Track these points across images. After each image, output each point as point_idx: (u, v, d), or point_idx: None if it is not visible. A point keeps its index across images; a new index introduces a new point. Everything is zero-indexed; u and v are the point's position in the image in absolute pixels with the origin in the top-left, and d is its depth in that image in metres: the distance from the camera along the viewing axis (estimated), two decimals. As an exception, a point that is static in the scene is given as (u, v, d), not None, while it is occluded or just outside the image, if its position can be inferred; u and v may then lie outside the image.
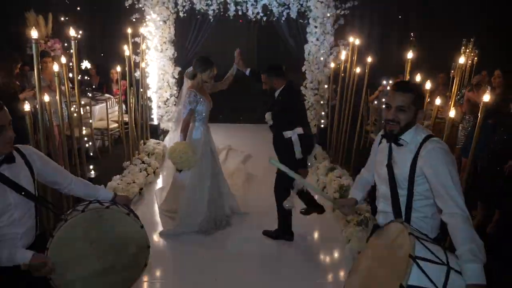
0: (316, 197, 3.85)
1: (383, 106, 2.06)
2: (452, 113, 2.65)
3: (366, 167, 2.42)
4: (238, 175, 4.95)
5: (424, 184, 1.96)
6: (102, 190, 2.23)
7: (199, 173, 3.76)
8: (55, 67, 2.88)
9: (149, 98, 6.76)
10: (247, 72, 3.94)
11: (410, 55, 3.30)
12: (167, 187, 4.65)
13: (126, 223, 2.08)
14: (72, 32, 3.12)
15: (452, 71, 5.83)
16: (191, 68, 3.80)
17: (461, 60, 2.74)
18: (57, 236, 1.89)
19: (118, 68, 4.91)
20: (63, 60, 3.21)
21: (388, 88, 5.64)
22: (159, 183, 5.07)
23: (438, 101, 3.12)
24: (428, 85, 3.38)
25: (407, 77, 3.35)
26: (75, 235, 1.95)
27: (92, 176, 4.38)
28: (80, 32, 6.65)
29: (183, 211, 3.80)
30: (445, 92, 6.35)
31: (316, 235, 4.01)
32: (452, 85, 5.94)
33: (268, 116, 3.46)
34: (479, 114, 2.55)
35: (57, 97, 2.98)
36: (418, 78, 3.39)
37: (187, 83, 3.97)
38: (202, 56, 3.65)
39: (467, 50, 5.78)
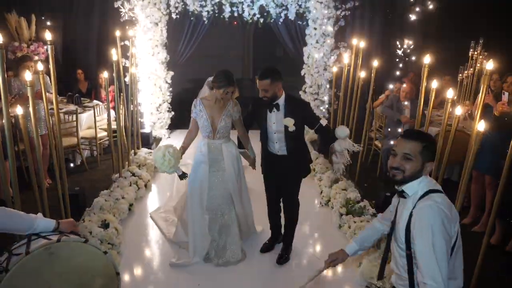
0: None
1: (391, 151, 1.83)
2: (481, 125, 2.33)
3: (383, 215, 2.18)
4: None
5: None
6: (39, 220, 1.83)
7: (190, 198, 3.36)
8: (28, 75, 2.52)
9: (140, 104, 6.41)
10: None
11: (427, 59, 2.99)
12: (164, 206, 4.30)
13: (86, 253, 1.78)
14: (48, 35, 2.78)
15: (460, 75, 5.54)
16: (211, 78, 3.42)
17: (489, 65, 2.42)
18: None
19: (105, 74, 4.54)
20: (40, 66, 2.85)
21: (393, 93, 5.34)
22: (151, 198, 4.71)
23: (459, 110, 2.81)
24: (434, 84, 3.08)
25: (424, 83, 3.04)
26: (24, 286, 1.59)
27: (76, 191, 4.00)
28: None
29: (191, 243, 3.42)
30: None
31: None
32: (461, 89, 5.70)
33: (289, 121, 3.05)
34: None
35: (30, 108, 2.60)
36: (434, 84, 3.08)
37: (204, 90, 3.84)
38: (226, 71, 3.13)
39: (475, 53, 5.50)
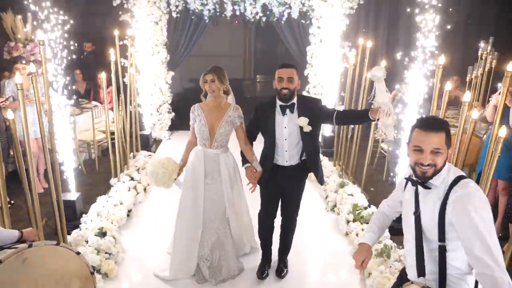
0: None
1: (412, 147, 1.69)
2: (503, 131, 2.17)
3: (389, 201, 2.07)
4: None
5: (456, 234, 1.60)
6: (1, 230, 1.80)
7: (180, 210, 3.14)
8: (18, 78, 2.37)
9: (140, 105, 6.25)
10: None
11: (442, 60, 2.83)
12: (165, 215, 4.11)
13: (59, 255, 1.74)
14: (40, 35, 2.62)
15: (469, 75, 5.37)
16: None
17: (510, 67, 2.26)
18: None
19: (103, 75, 4.38)
20: (33, 68, 2.69)
21: (402, 95, 5.16)
22: (151, 203, 4.55)
23: (475, 114, 2.65)
24: (448, 86, 2.91)
25: (438, 85, 2.88)
26: None
27: (73, 198, 3.85)
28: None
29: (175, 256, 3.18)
30: (459, 96, 5.91)
31: (329, 268, 3.49)
32: (470, 90, 5.53)
33: (303, 121, 2.73)
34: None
35: (21, 112, 2.45)
36: (448, 86, 2.91)
37: None
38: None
39: (485, 52, 5.33)
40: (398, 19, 6.87)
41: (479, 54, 5.42)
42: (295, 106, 2.78)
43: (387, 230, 3.66)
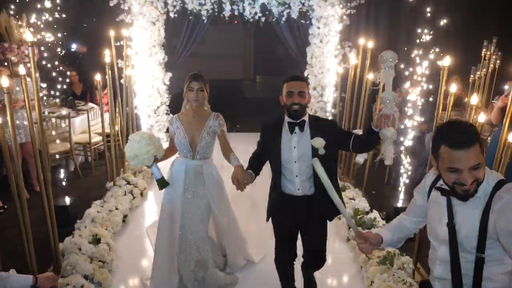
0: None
1: (447, 169, 1.49)
2: (512, 136, 2.08)
3: (409, 213, 1.89)
4: (241, 203, 4.09)
5: (498, 246, 1.47)
6: (14, 278, 1.64)
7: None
8: (4, 81, 2.27)
9: (137, 107, 6.15)
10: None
11: (447, 61, 2.72)
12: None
13: None
14: (29, 36, 2.52)
15: (472, 75, 5.27)
16: None
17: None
18: None
19: (98, 77, 4.28)
20: (22, 70, 2.59)
21: (407, 93, 5.06)
22: (147, 207, 4.45)
23: (482, 117, 2.55)
24: (453, 88, 2.80)
25: (443, 87, 2.78)
26: None
27: (67, 203, 3.74)
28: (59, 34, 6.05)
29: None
30: (462, 97, 5.81)
31: (330, 274, 3.34)
32: (473, 91, 5.43)
33: (319, 142, 2.31)
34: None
35: (8, 117, 2.35)
36: (453, 88, 2.81)
37: None
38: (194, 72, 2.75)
39: (488, 53, 5.22)
40: (399, 19, 6.78)
41: (482, 54, 5.31)
42: (306, 123, 2.39)
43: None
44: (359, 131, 2.48)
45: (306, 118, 2.41)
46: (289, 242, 2.61)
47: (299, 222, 2.53)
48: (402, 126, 4.73)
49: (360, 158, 2.90)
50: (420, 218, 1.83)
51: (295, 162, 2.37)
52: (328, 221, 2.57)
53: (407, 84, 5.10)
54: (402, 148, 4.40)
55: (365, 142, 2.39)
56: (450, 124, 1.52)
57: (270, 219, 2.61)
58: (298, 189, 2.42)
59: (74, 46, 7.32)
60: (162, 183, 2.66)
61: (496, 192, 1.46)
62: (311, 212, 2.45)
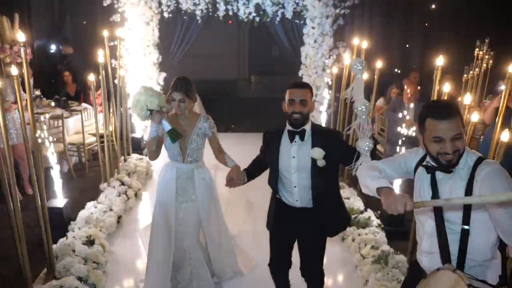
0: None
1: (432, 138, 1.62)
2: (505, 135, 2.09)
3: (387, 164, 1.87)
4: (236, 205, 4.09)
5: (482, 216, 1.56)
6: None
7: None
8: (-5, 82, 2.25)
9: (131, 108, 6.12)
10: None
11: (440, 61, 2.74)
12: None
13: None
14: (21, 36, 2.50)
15: (465, 75, 5.31)
16: None
17: (512, 68, 2.18)
18: None
19: (92, 77, 4.26)
20: (14, 71, 2.56)
21: (395, 94, 5.10)
22: (142, 208, 4.43)
23: (475, 117, 2.57)
24: (447, 88, 2.82)
25: (437, 87, 2.80)
26: None
27: (60, 205, 3.71)
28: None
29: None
30: (455, 96, 5.85)
31: (326, 274, 3.34)
32: (465, 90, 5.48)
33: (319, 152, 2.20)
34: None
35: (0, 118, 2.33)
36: (446, 88, 2.83)
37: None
38: (179, 77, 2.62)
39: (481, 52, 5.27)
40: (392, 19, 6.83)
41: (475, 54, 5.35)
42: (306, 133, 2.28)
43: (384, 234, 3.58)
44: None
45: (308, 127, 2.29)
46: (284, 252, 2.53)
47: (297, 235, 2.46)
48: (399, 128, 4.78)
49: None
50: (389, 179, 1.82)
51: (294, 172, 2.28)
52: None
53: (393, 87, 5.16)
54: (397, 148, 4.43)
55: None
56: (434, 101, 1.73)
57: (269, 226, 2.55)
58: (297, 200, 2.34)
59: (53, 48, 7.24)
60: (175, 135, 2.51)
61: (478, 165, 1.59)
62: (311, 226, 2.36)
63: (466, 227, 1.58)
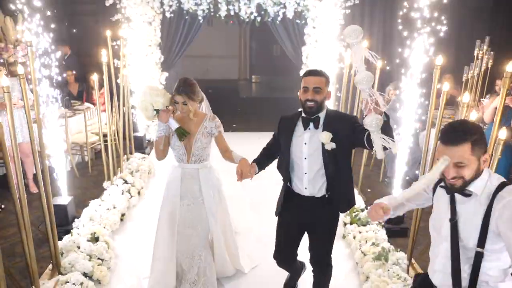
0: None
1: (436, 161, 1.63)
2: (503, 133, 2.14)
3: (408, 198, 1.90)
4: (239, 204, 4.00)
5: (497, 243, 1.55)
6: None
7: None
8: (5, 81, 2.29)
9: (133, 107, 6.17)
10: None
11: (439, 60, 2.78)
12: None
13: None
14: (27, 36, 2.54)
15: (465, 75, 5.35)
16: None
17: (510, 67, 2.21)
18: None
19: (95, 77, 4.31)
20: (20, 70, 2.61)
21: (393, 94, 5.13)
22: (145, 206, 4.47)
23: (474, 115, 2.61)
24: (446, 87, 2.86)
25: (436, 87, 2.84)
26: None
27: (65, 202, 3.76)
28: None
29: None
30: (455, 95, 5.90)
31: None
32: (465, 90, 5.52)
33: (326, 137, 2.18)
34: None
35: (8, 116, 2.37)
36: (446, 86, 2.87)
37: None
38: (181, 78, 2.61)
39: (481, 52, 5.30)
40: (393, 18, 6.85)
41: (475, 54, 5.39)
42: (321, 120, 2.27)
43: (385, 232, 3.63)
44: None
45: (322, 114, 2.28)
46: (288, 243, 2.54)
47: (304, 224, 2.46)
48: (395, 128, 4.81)
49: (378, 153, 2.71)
50: (418, 202, 1.94)
51: (305, 158, 2.28)
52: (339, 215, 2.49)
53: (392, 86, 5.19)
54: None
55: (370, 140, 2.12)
56: (449, 124, 1.63)
57: (277, 213, 2.55)
58: (306, 188, 2.34)
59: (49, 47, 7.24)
60: (182, 132, 2.57)
61: (498, 192, 1.55)
62: (318, 216, 2.37)
63: (480, 250, 1.57)
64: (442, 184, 1.70)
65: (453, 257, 1.63)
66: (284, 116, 2.48)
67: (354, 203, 2.51)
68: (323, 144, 2.23)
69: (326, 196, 2.35)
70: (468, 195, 1.60)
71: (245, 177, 2.39)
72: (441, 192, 1.73)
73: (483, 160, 1.57)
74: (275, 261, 2.65)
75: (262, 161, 2.51)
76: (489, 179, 1.60)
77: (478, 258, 1.58)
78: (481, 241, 1.57)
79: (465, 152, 1.53)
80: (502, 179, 1.62)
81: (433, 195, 1.81)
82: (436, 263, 1.76)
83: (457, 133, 1.54)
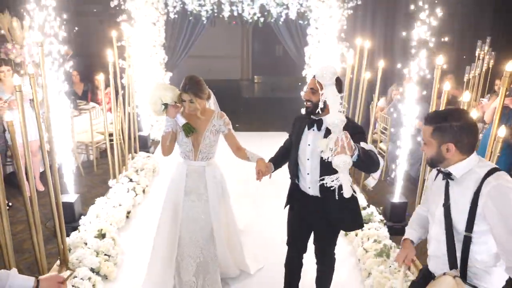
0: None
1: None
2: (502, 131, 2.19)
3: (422, 204, 2.08)
4: (245, 203, 4.09)
5: (484, 225, 1.62)
6: (12, 279, 1.46)
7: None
8: (16, 80, 2.36)
9: (138, 106, 6.25)
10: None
11: (440, 60, 2.83)
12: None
13: None
14: (38, 36, 2.61)
15: (467, 75, 5.39)
16: None
17: (509, 67, 2.26)
18: None
19: (101, 76, 4.38)
20: (30, 69, 2.68)
21: (396, 95, 5.19)
22: (149, 204, 4.53)
23: (474, 114, 2.66)
24: (447, 86, 2.92)
25: (437, 86, 2.89)
26: None
27: (72, 200, 3.83)
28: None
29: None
30: (456, 96, 5.93)
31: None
32: (467, 90, 5.56)
33: (323, 143, 2.08)
34: None
35: (19, 115, 2.44)
36: (447, 86, 2.92)
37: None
38: (187, 76, 2.63)
39: (482, 52, 5.35)
40: (395, 19, 6.89)
41: (477, 54, 5.43)
42: (324, 123, 2.26)
43: (386, 229, 3.67)
44: (369, 145, 2.28)
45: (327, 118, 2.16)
46: (297, 235, 2.59)
47: (309, 221, 2.51)
48: (392, 129, 4.86)
49: (370, 181, 2.69)
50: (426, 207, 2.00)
51: (308, 159, 2.34)
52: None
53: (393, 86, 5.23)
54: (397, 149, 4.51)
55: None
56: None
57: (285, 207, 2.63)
58: (309, 188, 2.39)
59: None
60: (189, 129, 2.58)
61: (487, 178, 1.61)
62: (320, 215, 2.41)
63: (468, 234, 1.64)
64: (439, 169, 1.78)
65: (448, 240, 1.70)
66: (298, 116, 2.55)
67: (361, 225, 2.55)
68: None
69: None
70: (447, 174, 1.70)
71: (264, 175, 2.48)
72: (438, 178, 1.82)
73: (445, 148, 1.66)
74: (287, 247, 2.68)
75: (278, 160, 2.59)
76: (477, 165, 1.67)
77: (467, 243, 1.65)
78: (469, 226, 1.63)
79: (428, 132, 1.71)
80: (494, 166, 1.68)
81: (433, 183, 1.87)
82: (430, 247, 1.85)
83: (430, 115, 1.75)
